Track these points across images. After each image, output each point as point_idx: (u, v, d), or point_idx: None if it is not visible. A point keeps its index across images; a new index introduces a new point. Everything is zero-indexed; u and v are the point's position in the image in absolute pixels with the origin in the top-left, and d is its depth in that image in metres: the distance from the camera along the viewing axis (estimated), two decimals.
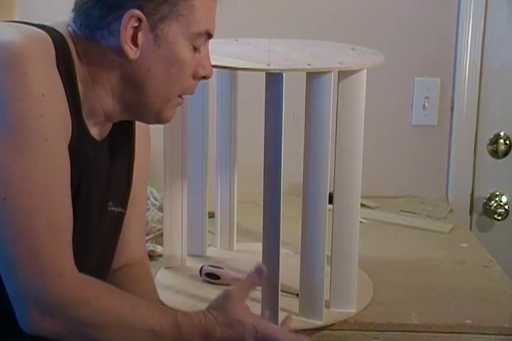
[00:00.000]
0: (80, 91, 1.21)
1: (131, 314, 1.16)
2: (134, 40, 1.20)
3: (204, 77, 1.30)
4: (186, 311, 1.22)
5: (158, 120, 1.30)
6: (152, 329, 1.17)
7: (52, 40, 1.17)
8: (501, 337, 1.55)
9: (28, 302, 1.11)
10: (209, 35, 1.27)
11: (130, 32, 1.20)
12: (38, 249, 1.10)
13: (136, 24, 1.19)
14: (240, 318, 1.22)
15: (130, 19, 1.19)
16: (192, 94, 1.32)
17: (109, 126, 1.33)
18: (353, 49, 1.61)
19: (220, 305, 1.23)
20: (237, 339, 1.22)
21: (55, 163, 1.13)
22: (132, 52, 1.21)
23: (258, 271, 1.27)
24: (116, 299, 1.17)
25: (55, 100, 1.14)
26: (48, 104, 1.12)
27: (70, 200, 1.15)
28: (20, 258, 1.10)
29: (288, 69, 1.40)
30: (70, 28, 1.23)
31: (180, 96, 1.29)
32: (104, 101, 1.25)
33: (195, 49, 1.26)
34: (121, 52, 1.21)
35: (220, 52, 1.55)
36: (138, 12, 1.19)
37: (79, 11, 1.22)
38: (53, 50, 1.16)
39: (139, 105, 1.26)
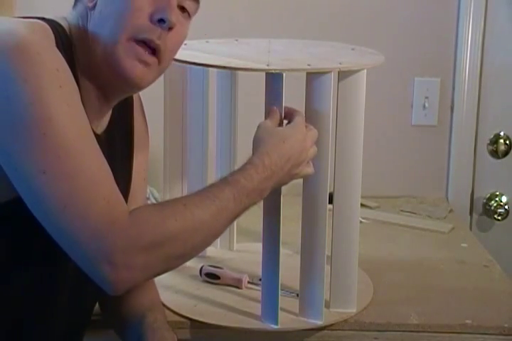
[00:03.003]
0: (80, 81, 1.22)
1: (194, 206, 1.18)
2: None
3: (162, 20, 1.22)
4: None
5: (125, 77, 1.23)
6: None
7: (53, 31, 1.19)
8: (501, 337, 1.54)
9: (99, 262, 1.10)
10: None
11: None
12: (87, 210, 1.09)
13: None
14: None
15: None
16: (150, 38, 1.22)
17: (106, 120, 1.32)
18: (353, 49, 1.61)
19: None
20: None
21: (82, 126, 1.14)
22: (91, 4, 1.24)
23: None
24: (171, 210, 1.17)
25: (69, 75, 1.15)
26: (64, 77, 1.14)
27: (102, 156, 1.15)
28: (73, 223, 1.09)
29: (288, 69, 1.40)
30: (66, 22, 1.25)
31: (135, 41, 1.22)
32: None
33: None
34: (85, 16, 1.24)
35: (220, 52, 1.55)
36: None
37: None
38: (53, 39, 1.17)
39: (100, 65, 1.24)
